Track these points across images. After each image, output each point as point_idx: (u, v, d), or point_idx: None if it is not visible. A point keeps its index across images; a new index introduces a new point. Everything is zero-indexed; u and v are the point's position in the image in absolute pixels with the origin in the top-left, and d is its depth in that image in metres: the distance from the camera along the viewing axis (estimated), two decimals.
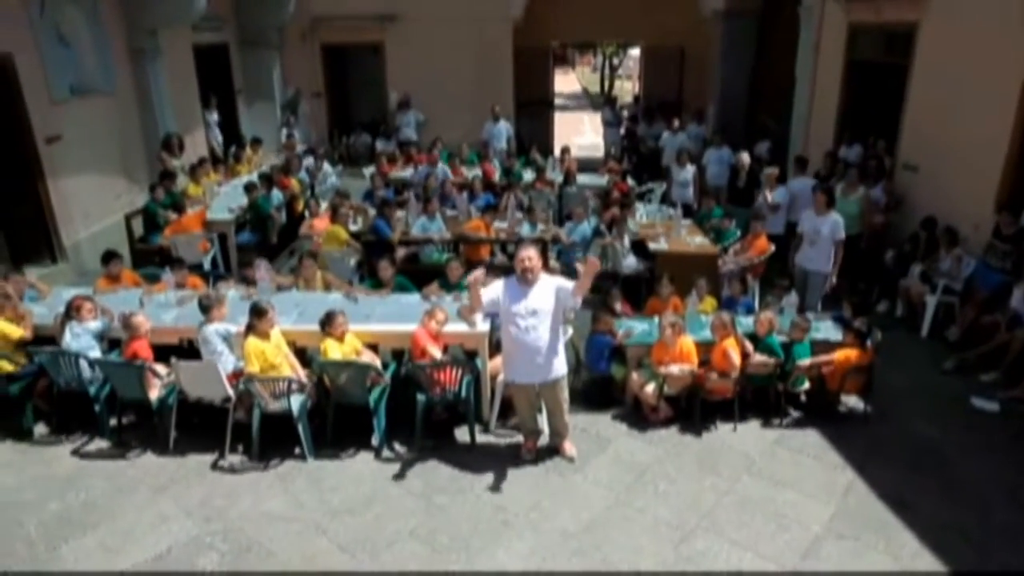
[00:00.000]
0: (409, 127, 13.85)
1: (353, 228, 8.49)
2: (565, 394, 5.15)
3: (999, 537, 4.53)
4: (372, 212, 8.93)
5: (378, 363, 5.64)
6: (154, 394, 5.42)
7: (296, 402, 5.27)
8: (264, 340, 5.32)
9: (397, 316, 5.97)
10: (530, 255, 4.83)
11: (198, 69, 12.18)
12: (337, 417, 5.51)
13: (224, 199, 9.61)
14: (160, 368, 5.53)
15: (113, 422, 5.62)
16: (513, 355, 4.97)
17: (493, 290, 4.91)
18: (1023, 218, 7.15)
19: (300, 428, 5.29)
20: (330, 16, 14.23)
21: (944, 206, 7.97)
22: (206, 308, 5.57)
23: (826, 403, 5.92)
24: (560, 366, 5.01)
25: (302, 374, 5.50)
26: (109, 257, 6.95)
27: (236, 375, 5.42)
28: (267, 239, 9.23)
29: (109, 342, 5.82)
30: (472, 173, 10.83)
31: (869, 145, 9.71)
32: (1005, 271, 6.97)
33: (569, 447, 5.32)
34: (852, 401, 6.02)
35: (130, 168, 10.05)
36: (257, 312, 5.33)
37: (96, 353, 5.58)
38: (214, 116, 12.53)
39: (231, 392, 5.34)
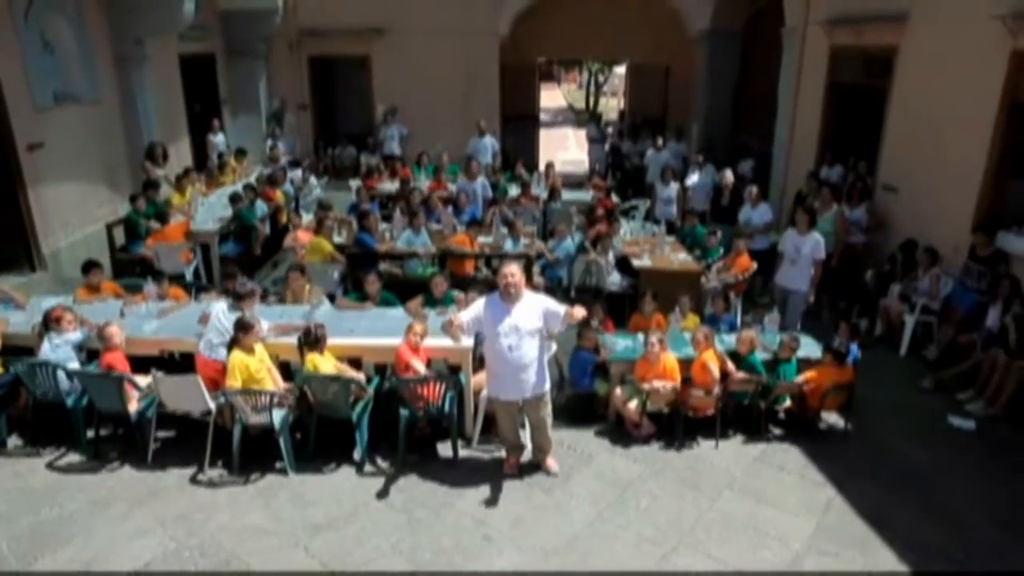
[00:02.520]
0: (394, 140, 13.87)
1: (337, 240, 8.47)
2: (548, 409, 5.16)
3: (978, 555, 4.58)
4: (356, 225, 8.91)
5: (361, 377, 5.61)
6: (133, 406, 5.35)
7: (278, 416, 5.22)
8: (248, 354, 5.29)
9: (381, 330, 5.95)
10: (512, 271, 4.82)
11: (184, 78, 12.14)
12: (319, 431, 5.47)
13: (208, 210, 9.56)
14: (140, 380, 5.46)
15: (90, 434, 5.53)
16: (497, 371, 4.96)
17: (474, 309, 4.92)
18: (998, 239, 7.29)
19: (282, 442, 5.24)
20: (317, 28, 14.25)
21: (923, 227, 8.10)
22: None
23: (807, 421, 5.97)
24: (543, 382, 5.01)
25: (283, 388, 5.45)
26: (89, 267, 6.87)
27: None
28: (250, 250, 9.19)
29: (88, 353, 5.75)
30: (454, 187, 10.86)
31: (849, 166, 9.85)
32: (981, 291, 7.08)
33: (552, 462, 5.32)
34: (832, 418, 6.07)
35: (113, 177, 9.97)
36: (243, 327, 5.29)
37: (75, 364, 5.51)
38: (219, 137, 12.47)
39: (212, 405, 5.28)
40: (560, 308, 4.85)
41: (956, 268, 7.56)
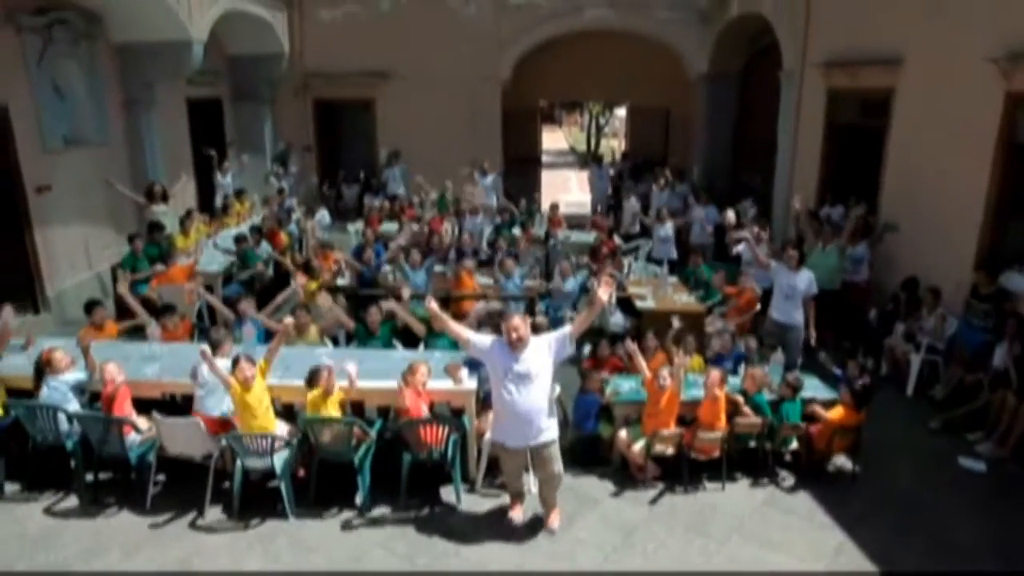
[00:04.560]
0: (396, 181, 14.01)
1: (341, 282, 8.48)
2: (558, 464, 4.97)
3: None
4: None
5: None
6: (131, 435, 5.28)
7: (279, 459, 5.17)
8: (245, 390, 5.24)
9: (383, 372, 5.90)
10: (517, 325, 4.71)
11: (190, 121, 12.32)
12: (321, 474, 5.40)
13: (212, 251, 9.61)
14: (141, 422, 5.42)
15: (89, 478, 5.47)
16: (503, 418, 4.85)
17: (484, 339, 4.86)
18: (1002, 278, 7.29)
19: (283, 486, 5.18)
20: (322, 72, 14.51)
21: (925, 265, 8.10)
22: (215, 344, 5.54)
23: (814, 463, 5.89)
24: (552, 430, 4.87)
25: (286, 430, 5.41)
26: (91, 306, 6.87)
27: (220, 423, 5.32)
28: (254, 292, 9.19)
29: (90, 395, 5.71)
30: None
31: (850, 206, 9.87)
32: (987, 330, 7.05)
33: (554, 519, 5.11)
34: (840, 461, 5.99)
35: (119, 218, 10.05)
36: (232, 362, 5.28)
37: (74, 406, 5.47)
38: (227, 179, 12.61)
39: (213, 448, 5.23)
40: (565, 329, 4.81)
41: (959, 306, 7.54)
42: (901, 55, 8.78)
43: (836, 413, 5.73)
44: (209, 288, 8.64)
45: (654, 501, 5.51)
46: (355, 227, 11.44)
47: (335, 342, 7.26)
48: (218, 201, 12.15)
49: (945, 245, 7.94)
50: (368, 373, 5.90)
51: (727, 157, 15.33)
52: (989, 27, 7.32)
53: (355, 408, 5.89)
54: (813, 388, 6.16)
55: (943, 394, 7.11)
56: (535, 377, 4.70)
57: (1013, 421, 6.12)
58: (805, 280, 7.11)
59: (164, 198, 10.24)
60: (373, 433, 5.51)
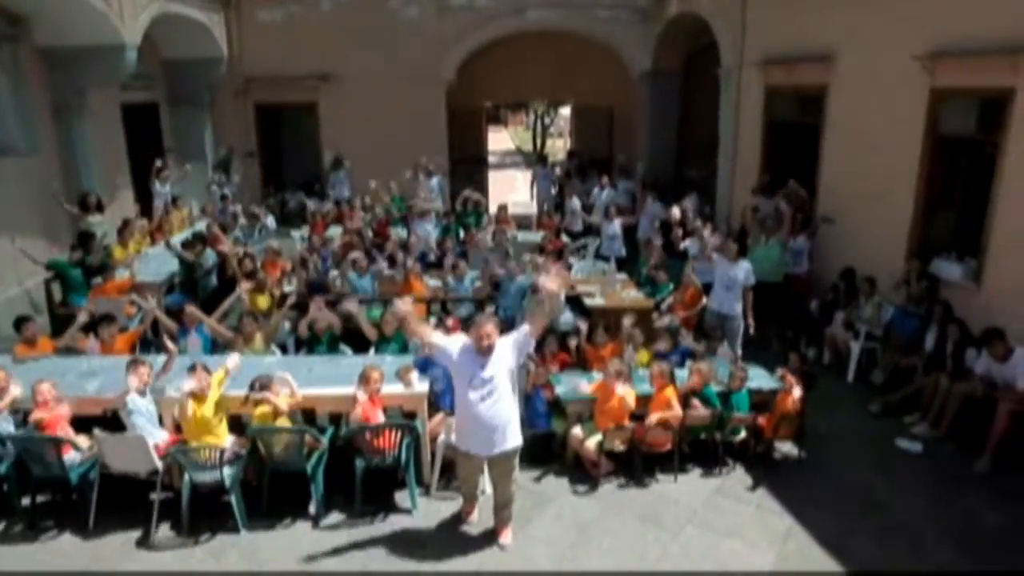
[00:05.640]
0: (342, 185, 13.84)
1: (288, 288, 8.33)
2: (515, 473, 4.97)
3: (934, 573, 4.69)
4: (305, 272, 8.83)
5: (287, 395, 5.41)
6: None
7: (229, 472, 5.06)
8: (200, 403, 5.11)
9: (334, 379, 5.84)
10: (489, 332, 4.61)
11: (126, 128, 11.95)
12: (273, 485, 5.31)
13: (151, 261, 9.34)
14: (81, 440, 5.24)
15: (26, 502, 5.25)
16: (466, 424, 4.78)
17: (450, 344, 4.76)
18: (931, 266, 7.59)
19: (233, 499, 5.07)
20: (263, 75, 14.24)
21: (861, 256, 8.38)
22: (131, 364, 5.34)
23: (762, 451, 6.04)
24: (515, 437, 4.80)
25: (235, 441, 5.30)
26: (21, 322, 6.60)
27: (163, 446, 5.18)
28: (197, 301, 8.96)
29: (24, 415, 5.48)
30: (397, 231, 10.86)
31: (782, 196, 10.08)
32: (920, 316, 7.33)
33: (506, 535, 5.01)
34: (786, 447, 6.16)
35: (52, 230, 9.68)
36: (189, 371, 5.16)
37: (8, 427, 5.25)
38: (166, 188, 12.25)
39: (159, 464, 5.09)
40: (524, 328, 4.73)
41: (894, 294, 7.82)
42: (833, 53, 9.07)
43: (788, 403, 5.88)
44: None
45: (608, 496, 5.57)
46: (300, 233, 11.26)
47: (283, 350, 7.14)
48: (157, 208, 11.80)
49: (879, 236, 8.23)
50: (318, 380, 5.84)
51: (671, 153, 15.59)
52: (914, 26, 7.63)
53: (306, 415, 5.79)
54: (758, 378, 6.32)
55: (881, 379, 7.38)
56: (501, 383, 4.65)
57: (945, 403, 6.38)
58: (743, 271, 7.33)
59: (99, 208, 9.90)
60: (325, 440, 5.44)
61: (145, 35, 10.53)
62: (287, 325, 7.74)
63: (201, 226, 10.92)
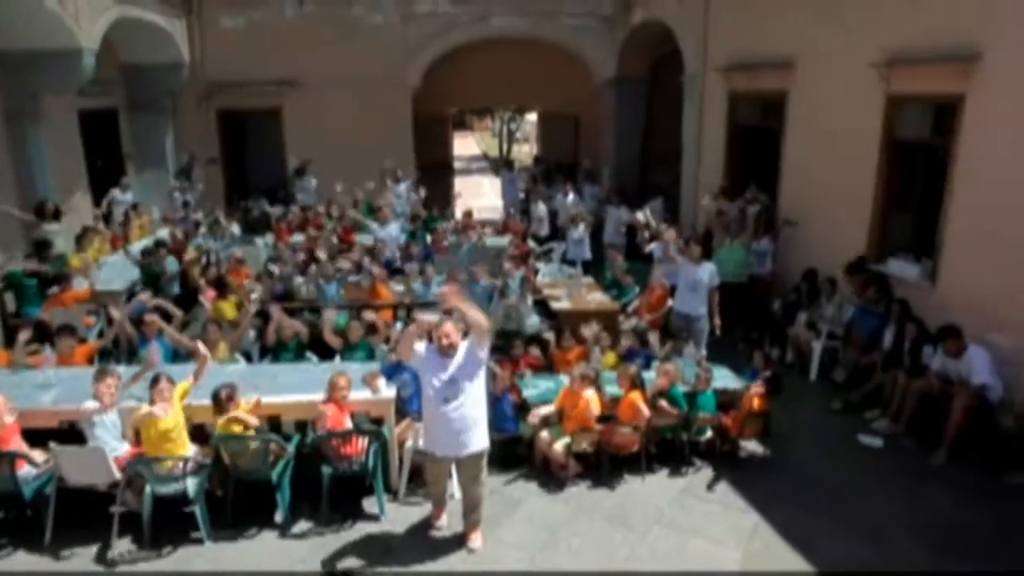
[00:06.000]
0: (307, 192, 13.71)
1: (253, 296, 8.22)
2: (484, 475, 4.96)
3: (897, 564, 4.81)
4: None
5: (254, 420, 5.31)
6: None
7: (192, 483, 4.97)
8: (162, 413, 5.02)
9: (300, 386, 5.78)
10: (448, 331, 4.65)
11: (84, 134, 11.70)
12: (237, 494, 5.22)
13: (111, 269, 9.14)
14: (36, 455, 5.10)
15: None
16: (434, 426, 4.79)
17: (419, 349, 4.75)
18: (889, 265, 7.78)
19: (197, 510, 4.98)
20: (226, 81, 14.05)
21: (823, 257, 8.54)
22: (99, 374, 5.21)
23: (728, 450, 6.12)
24: (482, 439, 4.82)
25: (198, 452, 5.20)
26: None
27: (124, 458, 5.07)
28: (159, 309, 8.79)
29: None
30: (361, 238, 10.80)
31: (745, 201, 10.24)
32: (879, 315, 7.50)
33: (475, 538, 5.00)
34: (752, 446, 6.25)
35: (5, 239, 9.42)
36: (152, 381, 5.06)
37: None
38: (126, 195, 12.01)
39: (119, 475, 4.97)
40: (470, 337, 4.71)
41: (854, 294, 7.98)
42: (793, 59, 9.25)
43: (756, 404, 5.98)
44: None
45: (577, 498, 5.59)
46: (264, 240, 11.13)
47: (248, 358, 7.05)
48: (117, 217, 11.57)
49: (840, 237, 8.39)
50: (284, 387, 5.78)
51: (636, 159, 15.74)
52: (870, 35, 7.81)
53: (272, 423, 5.71)
54: (723, 378, 6.40)
55: (843, 377, 7.53)
56: (467, 384, 4.66)
57: (904, 399, 6.54)
58: (708, 273, 7.44)
59: (56, 216, 9.67)
60: (291, 448, 5.37)
61: (104, 39, 10.33)
62: (252, 333, 7.65)
63: (163, 233, 10.73)
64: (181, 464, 4.92)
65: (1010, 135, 6.31)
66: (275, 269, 8.94)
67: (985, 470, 5.87)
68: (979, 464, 5.92)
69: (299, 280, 8.69)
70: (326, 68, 14.11)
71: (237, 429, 5.16)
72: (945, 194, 7.04)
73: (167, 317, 6.91)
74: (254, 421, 5.22)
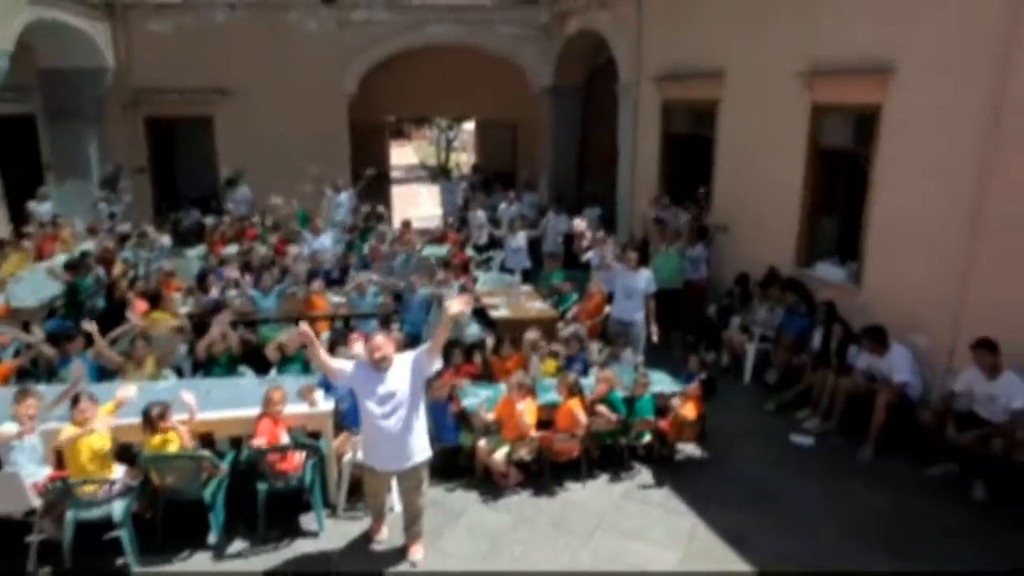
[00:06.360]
0: (241, 203, 13.38)
1: (184, 310, 7.97)
2: (425, 486, 4.94)
3: (826, 558, 4.96)
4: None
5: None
6: None
7: (119, 506, 4.76)
8: (87, 433, 4.79)
9: (234, 401, 5.62)
10: (379, 345, 4.63)
11: None
12: (168, 515, 5.03)
13: (27, 285, 8.71)
14: None
15: None
16: (372, 440, 4.74)
17: (346, 364, 4.76)
18: (816, 268, 8.06)
19: (124, 535, 4.77)
20: (154, 88, 13.61)
21: (754, 262, 8.78)
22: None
23: (666, 453, 6.22)
24: (422, 451, 4.79)
25: (125, 473, 4.99)
26: None
27: (43, 483, 4.83)
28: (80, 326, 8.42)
29: None
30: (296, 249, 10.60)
31: (681, 208, 10.48)
32: (807, 317, 7.75)
33: (416, 550, 4.95)
34: (689, 448, 6.37)
35: None
36: (72, 401, 4.84)
37: None
38: (45, 206, 11.46)
39: (36, 502, 4.72)
40: (424, 347, 4.76)
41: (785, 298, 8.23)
42: (723, 68, 9.51)
43: (689, 410, 6.09)
44: (26, 325, 7.79)
45: (518, 506, 5.59)
46: (196, 252, 10.82)
47: (179, 373, 6.81)
48: (35, 230, 11.05)
49: (770, 242, 8.66)
50: (217, 403, 5.60)
51: (573, 167, 15.92)
52: (795, 46, 8.10)
53: (204, 440, 5.53)
54: (661, 382, 6.51)
55: (775, 378, 7.75)
56: (403, 397, 4.62)
57: (833, 397, 6.77)
58: (644, 279, 7.56)
59: None
60: (225, 466, 5.21)
61: (20, 42, 9.87)
62: (183, 348, 7.41)
63: (87, 246, 10.30)
64: (106, 487, 4.71)
65: (922, 143, 6.64)
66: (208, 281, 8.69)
67: (908, 463, 6.13)
68: (903, 458, 6.18)
69: (232, 292, 8.45)
70: (259, 75, 13.85)
71: (172, 448, 4.97)
72: (867, 200, 7.34)
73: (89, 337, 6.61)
74: (189, 439, 5.03)
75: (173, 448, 4.98)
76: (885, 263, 7.15)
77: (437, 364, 4.86)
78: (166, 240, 11.47)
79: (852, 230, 7.70)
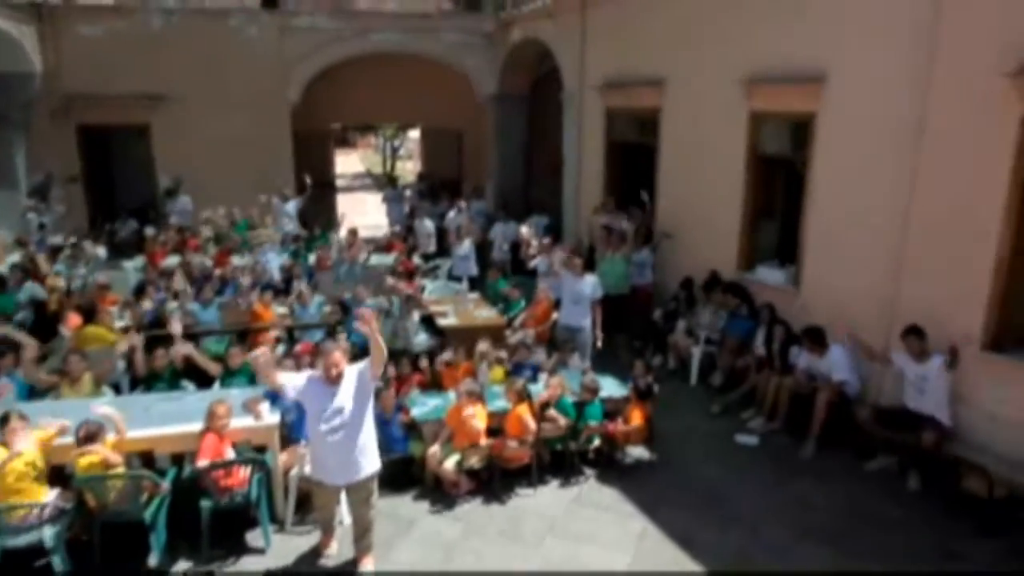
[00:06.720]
0: (182, 213, 13.03)
1: (120, 324, 7.71)
2: (375, 498, 4.88)
3: (770, 554, 5.10)
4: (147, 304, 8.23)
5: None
6: None
7: (50, 531, 4.56)
8: (12, 456, 4.58)
9: (176, 416, 5.46)
10: (336, 360, 4.57)
11: None
12: (106, 538, 4.84)
13: None
14: None
15: None
16: (321, 455, 4.67)
17: (297, 379, 4.67)
18: (757, 272, 8.28)
19: (56, 561, 4.57)
20: (86, 95, 13.11)
21: (698, 266, 8.96)
22: None
23: (615, 457, 6.28)
24: (372, 463, 4.75)
25: (57, 496, 4.79)
26: None
27: None
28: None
29: None
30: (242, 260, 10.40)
31: (627, 213, 10.61)
32: (750, 319, 7.95)
33: (366, 563, 4.87)
34: (638, 451, 6.45)
35: None
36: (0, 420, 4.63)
37: None
38: None
39: None
40: (362, 364, 4.69)
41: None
42: (664, 77, 9.71)
43: (636, 417, 6.17)
44: None
45: (469, 514, 5.57)
46: (134, 263, 10.48)
47: (117, 390, 6.58)
48: None
49: (713, 246, 8.85)
50: (157, 418, 5.43)
51: (519, 175, 16.00)
52: (734, 55, 8.32)
53: (144, 458, 5.35)
54: (609, 387, 6.58)
55: (720, 380, 7.92)
56: (352, 411, 4.57)
57: (776, 397, 6.95)
58: (590, 285, 7.64)
59: None
60: (166, 484, 5.05)
61: None
62: (121, 364, 7.15)
63: (15, 258, 9.88)
64: (36, 511, 4.51)
65: (853, 150, 6.90)
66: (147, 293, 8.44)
67: (849, 458, 6.34)
68: (843, 453, 6.39)
69: (172, 305, 8.22)
70: (199, 82, 13.50)
71: (94, 459, 4.78)
72: (804, 205, 7.57)
73: (16, 347, 6.34)
74: (116, 459, 4.83)
75: (101, 468, 4.78)
76: (822, 265, 7.39)
77: (375, 384, 4.80)
78: (102, 252, 11.09)
79: (791, 234, 7.94)
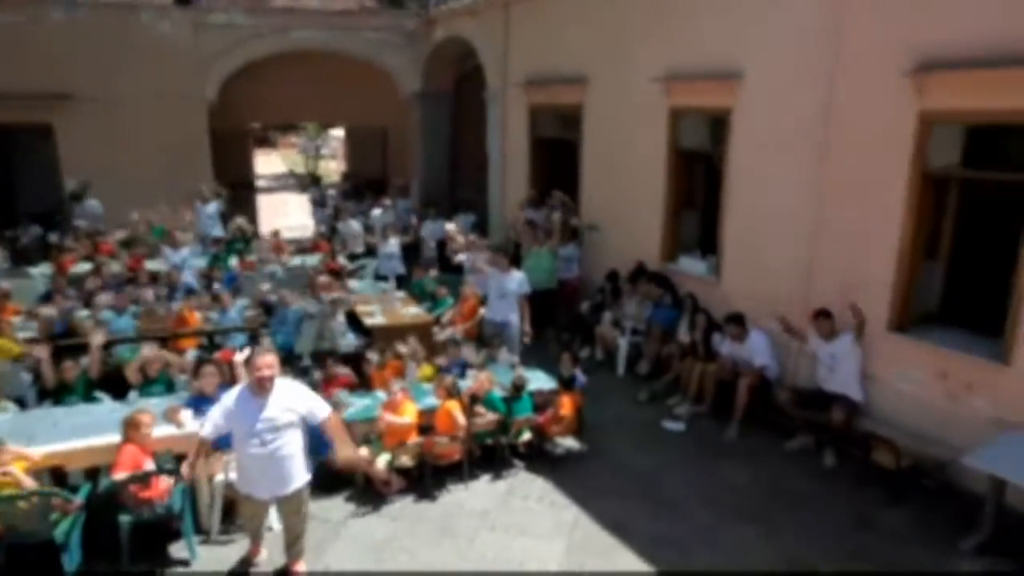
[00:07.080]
0: (90, 217, 12.41)
1: (25, 335, 7.29)
2: (307, 508, 4.76)
3: (696, 536, 5.25)
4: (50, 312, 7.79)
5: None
6: None
7: None
8: None
9: (88, 429, 5.21)
10: (269, 362, 4.38)
11: None
12: (13, 561, 4.57)
13: None
14: None
15: None
16: (250, 469, 4.48)
17: (222, 403, 4.44)
18: (680, 263, 8.51)
19: None
20: None
21: (623, 258, 9.13)
22: None
23: (546, 449, 6.35)
24: (302, 474, 4.59)
25: None
26: None
27: None
28: None
29: None
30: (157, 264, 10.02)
31: (550, 208, 10.70)
32: (673, 308, 8.15)
33: (299, 568, 4.77)
34: (568, 442, 6.53)
35: None
36: None
37: None
38: None
39: None
40: (324, 407, 4.56)
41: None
42: (585, 75, 9.85)
43: (567, 407, 6.26)
44: None
45: (402, 513, 5.53)
46: (39, 270, 9.95)
47: (21, 404, 6.23)
48: None
49: (637, 239, 9.03)
50: (67, 432, 5.19)
51: (445, 172, 15.97)
52: (653, 53, 8.51)
53: (54, 474, 5.09)
54: (537, 379, 6.64)
55: (646, 369, 8.10)
56: (283, 423, 4.41)
57: (701, 383, 7.16)
58: (516, 280, 7.68)
59: None
60: (79, 500, 4.81)
61: None
62: (27, 376, 6.77)
63: None
64: None
65: (768, 145, 7.17)
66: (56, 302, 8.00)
67: (770, 439, 6.59)
68: (765, 435, 6.64)
69: (83, 313, 7.84)
70: (108, 80, 12.90)
71: (8, 491, 4.53)
72: (722, 198, 7.82)
73: None
74: (29, 482, 4.58)
75: (7, 489, 4.53)
76: (741, 256, 7.65)
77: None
78: (1, 260, 10.47)
79: (711, 226, 8.18)
